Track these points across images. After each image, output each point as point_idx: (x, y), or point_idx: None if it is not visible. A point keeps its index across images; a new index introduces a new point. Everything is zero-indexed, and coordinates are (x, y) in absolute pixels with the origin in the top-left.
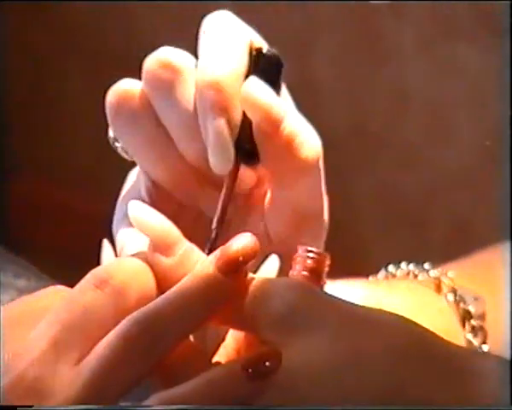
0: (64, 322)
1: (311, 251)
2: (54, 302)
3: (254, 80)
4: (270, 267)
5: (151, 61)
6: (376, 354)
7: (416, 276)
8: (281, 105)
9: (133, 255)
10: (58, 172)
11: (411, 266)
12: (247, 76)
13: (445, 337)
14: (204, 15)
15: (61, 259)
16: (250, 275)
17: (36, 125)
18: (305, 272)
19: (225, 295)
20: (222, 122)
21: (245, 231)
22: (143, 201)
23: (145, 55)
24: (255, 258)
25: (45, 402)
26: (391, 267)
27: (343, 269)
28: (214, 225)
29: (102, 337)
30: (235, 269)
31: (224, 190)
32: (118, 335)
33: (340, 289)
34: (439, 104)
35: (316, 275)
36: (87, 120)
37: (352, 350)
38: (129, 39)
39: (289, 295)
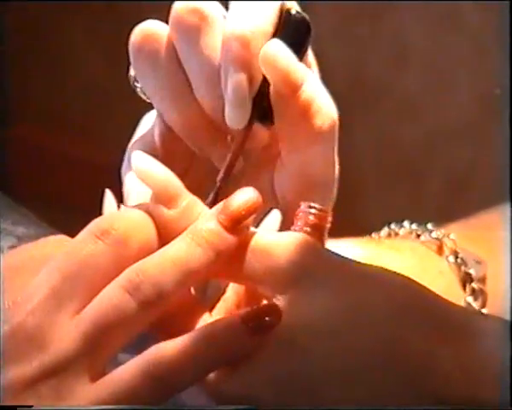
0: (65, 271)
1: (313, 207)
2: (55, 251)
3: (276, 42)
4: (271, 222)
5: (179, 5)
6: (376, 309)
7: (418, 236)
8: (300, 70)
9: (135, 206)
10: (57, 120)
11: (414, 226)
12: (274, 35)
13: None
14: None
15: (60, 206)
16: (252, 229)
17: (35, 74)
18: (306, 228)
19: (226, 248)
20: (243, 77)
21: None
22: (155, 147)
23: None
24: (257, 213)
25: (43, 351)
26: (393, 225)
27: (342, 219)
28: (219, 177)
29: (103, 288)
30: (237, 222)
31: (234, 145)
32: (118, 286)
33: (341, 247)
34: (440, 58)
35: (317, 231)
36: (86, 70)
37: (353, 306)
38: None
39: (292, 251)
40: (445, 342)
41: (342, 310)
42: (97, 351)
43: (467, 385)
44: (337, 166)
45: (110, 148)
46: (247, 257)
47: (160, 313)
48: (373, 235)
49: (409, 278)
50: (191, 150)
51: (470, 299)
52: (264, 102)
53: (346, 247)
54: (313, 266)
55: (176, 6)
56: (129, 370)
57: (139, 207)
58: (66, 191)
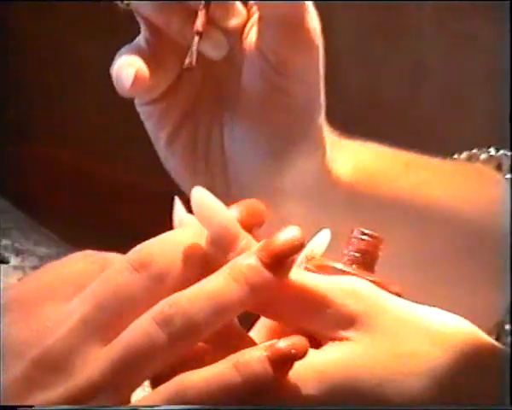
0: (98, 300)
1: (365, 233)
2: (82, 267)
3: None
4: (321, 241)
5: None
6: (433, 358)
7: (478, 158)
8: None
9: (189, 248)
10: (72, 137)
11: (501, 152)
12: None
13: (493, 206)
14: None
15: (78, 222)
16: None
17: (50, 92)
18: (357, 254)
19: (264, 285)
20: None
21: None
22: (141, 48)
23: None
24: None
25: (69, 378)
26: (476, 150)
27: None
28: (195, 35)
29: (135, 320)
30: (278, 260)
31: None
32: (150, 317)
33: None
34: (456, 80)
35: (368, 257)
36: (100, 86)
37: (408, 355)
38: None
39: (351, 294)
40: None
41: (398, 358)
42: (124, 381)
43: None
44: (315, 16)
45: (127, 165)
46: (297, 298)
47: (192, 347)
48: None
49: (472, 330)
50: (175, 54)
51: None
52: None
53: (375, 146)
54: (373, 312)
55: None
56: (155, 397)
57: (193, 247)
58: (84, 208)
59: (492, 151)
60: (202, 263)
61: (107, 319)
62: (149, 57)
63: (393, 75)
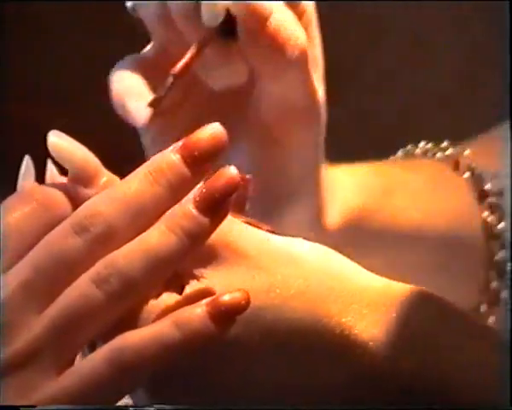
0: (37, 267)
1: None
2: (21, 215)
3: None
4: None
5: None
6: (292, 288)
7: (434, 154)
8: (265, 3)
9: (52, 184)
10: (44, 95)
11: (430, 145)
12: None
13: (462, 215)
14: None
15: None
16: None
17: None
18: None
19: (203, 234)
20: None
21: (245, 127)
22: (147, 59)
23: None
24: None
25: (10, 345)
26: (409, 147)
27: None
28: (174, 70)
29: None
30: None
31: (193, 46)
32: (89, 278)
33: (360, 169)
34: (416, 28)
35: (239, 198)
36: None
37: (268, 285)
38: None
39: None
40: (361, 314)
41: (258, 289)
42: (64, 344)
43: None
44: (321, 92)
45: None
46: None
47: (131, 304)
48: (390, 158)
49: (326, 254)
50: (188, 79)
51: (487, 213)
52: (233, 18)
53: (356, 167)
54: (234, 242)
55: None
56: (93, 359)
57: (56, 185)
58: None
59: (445, 144)
60: (147, 213)
61: (48, 284)
62: (154, 71)
63: (351, 26)
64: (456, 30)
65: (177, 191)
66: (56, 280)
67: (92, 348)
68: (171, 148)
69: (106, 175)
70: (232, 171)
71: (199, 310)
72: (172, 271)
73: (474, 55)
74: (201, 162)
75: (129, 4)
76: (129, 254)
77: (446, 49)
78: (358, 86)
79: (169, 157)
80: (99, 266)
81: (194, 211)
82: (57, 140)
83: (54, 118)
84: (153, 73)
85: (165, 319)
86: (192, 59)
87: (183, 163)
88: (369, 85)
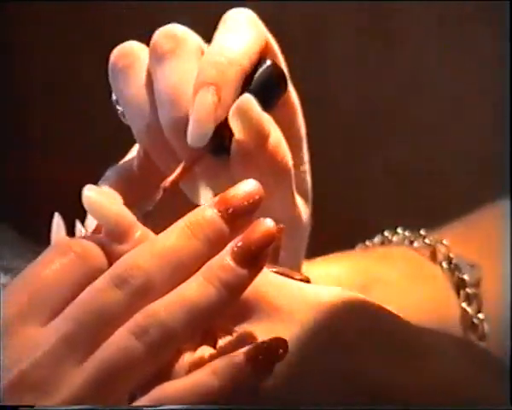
0: (78, 320)
1: None
2: (61, 268)
3: (247, 97)
4: None
5: (158, 31)
6: (331, 338)
7: (411, 242)
8: (267, 125)
9: (87, 237)
10: (74, 152)
11: (407, 232)
12: (250, 75)
13: (440, 306)
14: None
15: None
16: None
17: (53, 105)
18: None
19: (241, 286)
20: (210, 98)
21: None
22: (132, 173)
23: None
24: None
25: (48, 399)
26: (387, 232)
27: (352, 239)
28: (163, 185)
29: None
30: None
31: (183, 163)
32: (128, 330)
33: (331, 263)
34: (452, 86)
35: (272, 249)
36: (102, 104)
37: (307, 337)
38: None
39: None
40: (401, 365)
41: (297, 341)
42: (104, 397)
43: (429, 403)
44: (304, 203)
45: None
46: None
47: (169, 356)
48: (367, 242)
49: (363, 300)
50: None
51: (465, 304)
52: (222, 136)
53: (333, 263)
54: (267, 295)
55: (155, 32)
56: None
57: (92, 238)
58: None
59: (422, 232)
60: (185, 267)
61: (88, 337)
62: (138, 182)
63: (389, 82)
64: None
65: (214, 245)
66: (97, 333)
67: (131, 399)
68: (208, 202)
69: (140, 229)
70: (269, 223)
71: (237, 359)
72: (210, 323)
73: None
74: (238, 217)
75: (114, 98)
76: (169, 306)
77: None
78: (395, 139)
79: (206, 212)
80: (138, 318)
81: (232, 263)
82: (92, 194)
83: (82, 173)
84: (137, 183)
85: (203, 369)
86: (182, 175)
87: (220, 218)
88: (406, 137)
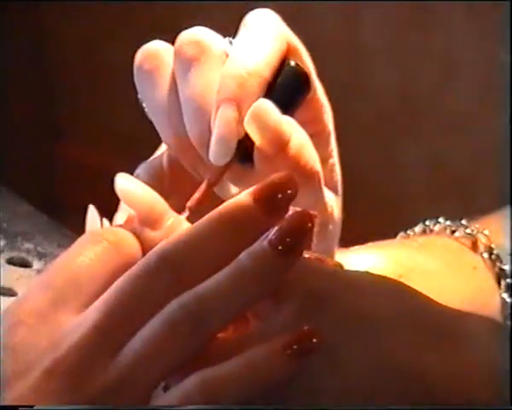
0: (110, 309)
1: None
2: (94, 256)
3: (264, 103)
4: None
5: (183, 35)
6: (362, 321)
7: (453, 232)
8: (287, 126)
9: (120, 225)
10: (105, 137)
11: (449, 222)
12: (272, 82)
13: (480, 296)
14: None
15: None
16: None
17: (82, 92)
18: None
19: (283, 271)
20: (233, 115)
21: None
22: (162, 171)
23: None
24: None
25: (83, 388)
26: (428, 222)
27: (389, 230)
28: (189, 203)
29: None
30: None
31: (210, 177)
32: (162, 319)
33: (372, 257)
34: (489, 72)
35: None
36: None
37: (341, 322)
38: (177, 16)
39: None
40: (432, 348)
41: (330, 326)
42: (139, 387)
43: (456, 390)
44: (336, 199)
45: None
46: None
47: (204, 345)
48: (408, 232)
49: (397, 284)
50: (196, 178)
51: (505, 295)
52: (247, 144)
53: (369, 253)
54: (303, 281)
55: (180, 35)
56: (173, 396)
57: (124, 226)
58: (109, 208)
59: (464, 222)
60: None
61: (121, 327)
62: (170, 180)
63: (423, 72)
64: None
65: (250, 234)
66: (130, 324)
67: (166, 389)
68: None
69: (173, 216)
70: (305, 212)
71: (273, 349)
72: (247, 311)
73: None
74: (274, 207)
75: (140, 97)
76: (205, 295)
77: None
78: (432, 126)
79: (242, 201)
80: (173, 307)
81: (270, 252)
82: (124, 183)
83: (115, 161)
84: (167, 181)
85: (239, 359)
86: (207, 192)
87: (256, 207)
88: (443, 126)
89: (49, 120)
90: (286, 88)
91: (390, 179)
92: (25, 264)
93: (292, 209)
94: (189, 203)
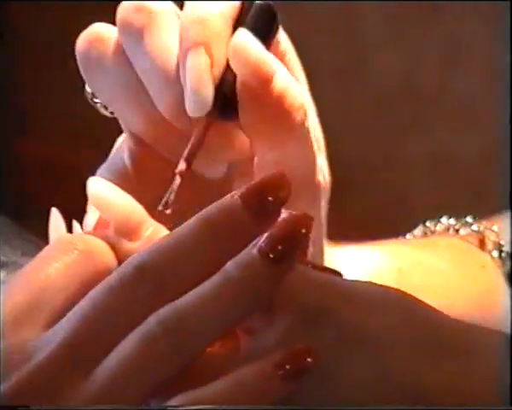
0: (83, 325)
1: None
2: (63, 266)
3: (244, 33)
4: None
5: (122, 7)
6: (367, 333)
7: (457, 231)
8: (271, 61)
9: (93, 233)
10: (67, 134)
11: (452, 221)
12: (236, 21)
13: (488, 296)
14: None
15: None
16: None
17: (44, 85)
18: None
19: (274, 282)
20: (203, 58)
21: None
22: (125, 168)
23: None
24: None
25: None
26: (429, 223)
27: (391, 227)
28: (178, 169)
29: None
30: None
31: (192, 138)
32: (139, 336)
33: (371, 253)
34: (496, 61)
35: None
36: None
37: (338, 337)
38: None
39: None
40: (438, 368)
41: (325, 343)
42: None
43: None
44: (323, 160)
45: None
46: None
47: (185, 364)
48: (407, 236)
49: (403, 295)
50: (168, 168)
51: None
52: (227, 92)
53: (366, 248)
54: (296, 292)
55: (120, 6)
56: None
57: (96, 233)
58: (73, 207)
59: (469, 219)
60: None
61: (95, 343)
62: (135, 176)
63: (427, 59)
64: None
65: (238, 240)
66: (104, 340)
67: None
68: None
69: (152, 225)
70: (299, 216)
71: (265, 368)
72: (235, 325)
73: None
74: (265, 210)
75: (88, 91)
76: (184, 311)
77: None
78: (437, 118)
79: (229, 204)
80: (151, 323)
81: (260, 260)
82: (98, 187)
83: (93, 161)
84: (132, 180)
85: (229, 378)
86: (195, 151)
87: (244, 210)
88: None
89: (8, 115)
90: (255, 24)
91: (391, 175)
92: None
93: (284, 212)
94: (178, 169)
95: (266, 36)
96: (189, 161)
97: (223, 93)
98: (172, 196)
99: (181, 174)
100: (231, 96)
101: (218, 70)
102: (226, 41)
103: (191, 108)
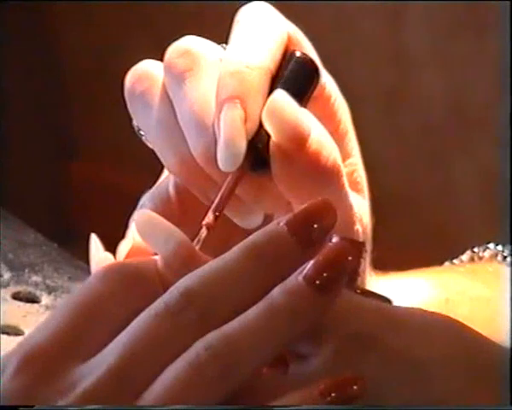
0: (129, 352)
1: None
2: (107, 297)
3: (279, 94)
4: None
5: (171, 48)
6: (416, 361)
7: (505, 258)
8: (306, 123)
9: (143, 262)
10: (123, 157)
11: (500, 247)
12: (277, 75)
13: None
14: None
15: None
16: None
17: (97, 109)
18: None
19: (320, 309)
20: (237, 113)
21: None
22: (169, 197)
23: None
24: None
25: None
26: (477, 248)
27: (438, 255)
28: (205, 221)
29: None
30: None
31: (222, 190)
32: (187, 361)
33: (416, 281)
34: None
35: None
36: None
37: (387, 363)
38: (200, 23)
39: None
40: (490, 397)
41: (375, 370)
42: None
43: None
44: (363, 207)
45: None
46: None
47: (233, 388)
48: (454, 261)
49: (453, 322)
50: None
51: None
52: (260, 148)
53: (412, 276)
54: (345, 318)
55: (169, 49)
56: None
57: (144, 261)
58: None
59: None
60: (250, 293)
61: (141, 370)
62: (178, 206)
63: (476, 78)
64: None
65: (284, 268)
66: (149, 367)
67: None
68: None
69: (202, 257)
70: (345, 243)
71: (312, 397)
72: (281, 352)
73: None
74: (311, 237)
75: (135, 124)
76: (231, 337)
77: None
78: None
79: (275, 231)
80: (198, 349)
81: (306, 287)
82: (147, 218)
83: (137, 183)
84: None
85: (274, 404)
86: (224, 204)
87: (290, 237)
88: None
89: (58, 139)
90: (294, 80)
91: (438, 199)
92: (32, 299)
93: (335, 237)
94: (206, 222)
95: (305, 91)
96: (216, 213)
97: (256, 147)
98: (198, 247)
99: (207, 226)
100: (264, 151)
101: (253, 125)
102: (262, 95)
103: (222, 162)
